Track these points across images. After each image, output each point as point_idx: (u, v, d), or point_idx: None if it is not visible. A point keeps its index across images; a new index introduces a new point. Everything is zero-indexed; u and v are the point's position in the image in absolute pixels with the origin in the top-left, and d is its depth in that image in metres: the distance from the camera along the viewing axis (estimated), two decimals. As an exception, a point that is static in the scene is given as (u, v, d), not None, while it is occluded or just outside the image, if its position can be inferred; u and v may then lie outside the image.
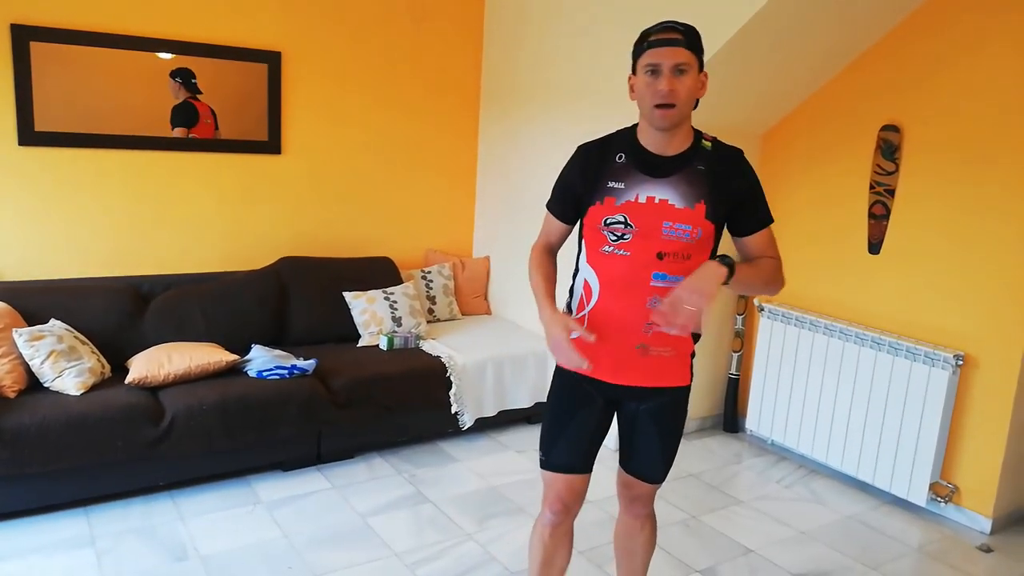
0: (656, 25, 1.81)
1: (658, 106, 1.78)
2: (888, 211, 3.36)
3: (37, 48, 3.30)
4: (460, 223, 4.68)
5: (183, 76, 3.64)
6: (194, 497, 3.04)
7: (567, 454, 2.02)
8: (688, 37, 1.78)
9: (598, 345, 1.89)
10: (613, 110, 3.51)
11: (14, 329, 2.97)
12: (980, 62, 3.01)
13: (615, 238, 1.86)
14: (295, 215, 4.08)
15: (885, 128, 3.33)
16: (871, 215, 3.42)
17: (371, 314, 3.87)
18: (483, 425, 3.80)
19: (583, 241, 1.97)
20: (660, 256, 1.83)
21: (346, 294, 3.91)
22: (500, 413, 3.82)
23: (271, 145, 3.94)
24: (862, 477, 3.42)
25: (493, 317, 4.49)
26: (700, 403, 4.06)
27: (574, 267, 2.02)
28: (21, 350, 2.93)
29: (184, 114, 3.69)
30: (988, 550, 3.00)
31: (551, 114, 4.00)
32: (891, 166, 3.32)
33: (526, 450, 3.68)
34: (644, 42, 1.81)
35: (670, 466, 2.11)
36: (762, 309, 3.82)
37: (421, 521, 2.98)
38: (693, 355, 2.02)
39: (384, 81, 4.21)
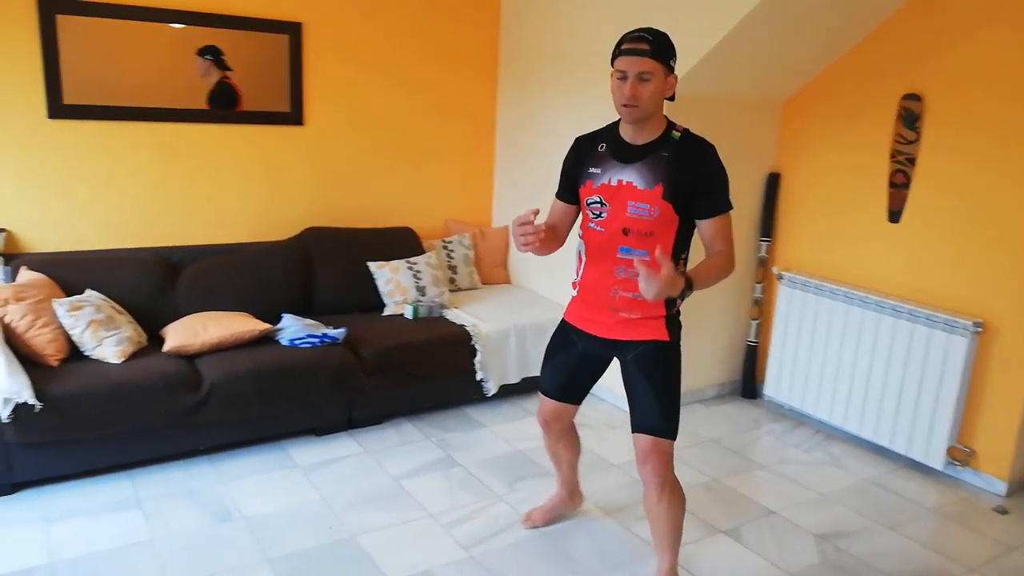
0: (629, 33, 2.09)
1: (624, 105, 2.09)
2: (908, 180, 3.39)
3: (63, 21, 3.32)
4: (479, 193, 4.72)
5: (213, 54, 3.66)
6: (232, 461, 3.14)
7: (547, 381, 2.51)
8: (655, 47, 2.06)
9: (583, 302, 2.34)
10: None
11: (54, 300, 3.04)
12: (1003, 32, 3.02)
13: (595, 215, 2.22)
14: (317, 186, 4.13)
15: (907, 97, 3.34)
16: (891, 184, 3.45)
17: (395, 284, 3.93)
18: (506, 392, 3.88)
19: (581, 217, 2.34)
20: (625, 232, 2.16)
21: (370, 264, 3.97)
22: (523, 380, 3.90)
23: (293, 116, 3.97)
24: (879, 441, 3.51)
25: (513, 286, 4.55)
26: (718, 369, 4.14)
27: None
28: (61, 320, 3.00)
29: (225, 97, 3.71)
30: (1004, 512, 3.09)
31: (568, 84, 4.01)
32: (912, 135, 3.35)
33: (549, 416, 3.76)
34: (617, 49, 2.10)
35: (670, 420, 2.24)
36: (781, 277, 3.87)
37: (453, 483, 3.07)
38: (670, 317, 2.26)
39: (403, 51, 4.22)
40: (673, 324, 2.28)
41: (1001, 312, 3.13)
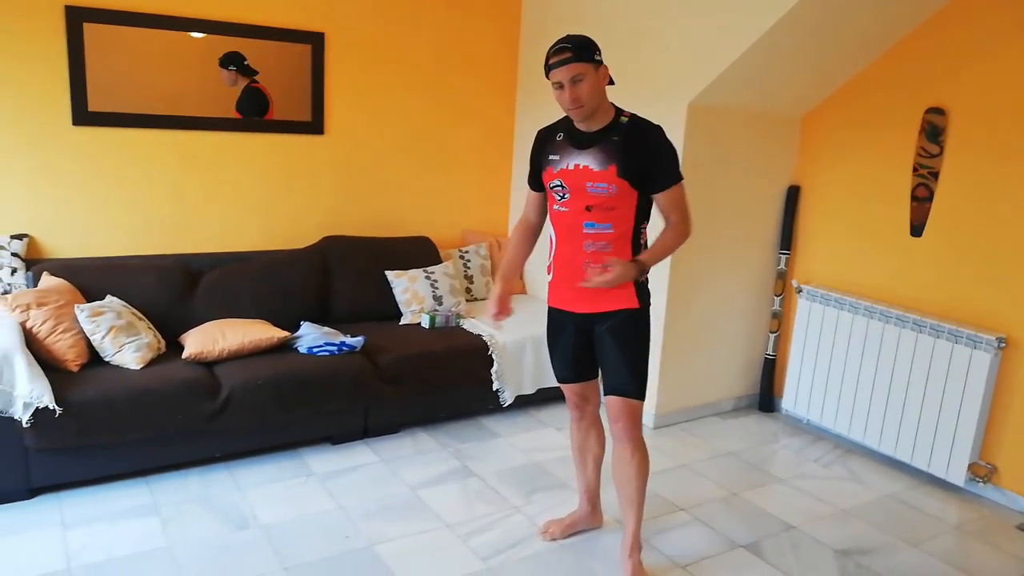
0: (552, 47, 2.27)
1: (570, 109, 2.30)
2: (931, 194, 3.37)
3: (90, 29, 3.36)
4: (496, 203, 4.72)
5: (236, 62, 3.68)
6: (249, 469, 3.14)
7: (561, 369, 2.64)
8: (576, 51, 2.23)
9: (559, 282, 2.50)
10: (647, 87, 3.53)
11: (75, 305, 3.06)
12: (1030, 44, 3.01)
13: (559, 197, 2.41)
14: (337, 195, 4.14)
15: (930, 111, 3.33)
16: (914, 197, 3.43)
17: (412, 293, 3.93)
18: (522, 402, 3.87)
19: (547, 202, 2.53)
20: (588, 208, 2.35)
21: (388, 273, 3.97)
22: (538, 391, 3.89)
23: (314, 126, 4.00)
24: (900, 457, 3.47)
25: (529, 296, 4.55)
26: (735, 383, 4.11)
27: None
28: (83, 325, 3.01)
29: (255, 102, 3.73)
30: (1027, 529, 3.05)
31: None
32: (935, 149, 3.33)
33: (564, 428, 3.74)
34: (546, 65, 2.28)
35: (639, 382, 2.46)
36: (800, 290, 3.85)
37: (469, 494, 3.06)
38: (639, 284, 2.43)
39: (424, 62, 4.24)
40: (643, 291, 2.45)
41: (1025, 327, 3.10)
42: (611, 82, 2.34)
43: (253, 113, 3.78)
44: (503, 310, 2.58)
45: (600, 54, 2.29)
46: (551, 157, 2.42)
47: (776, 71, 3.44)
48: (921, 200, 3.40)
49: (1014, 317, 3.13)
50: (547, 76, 2.30)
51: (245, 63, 3.70)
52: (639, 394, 2.46)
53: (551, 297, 2.57)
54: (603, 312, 2.44)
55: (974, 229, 3.24)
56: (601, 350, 2.49)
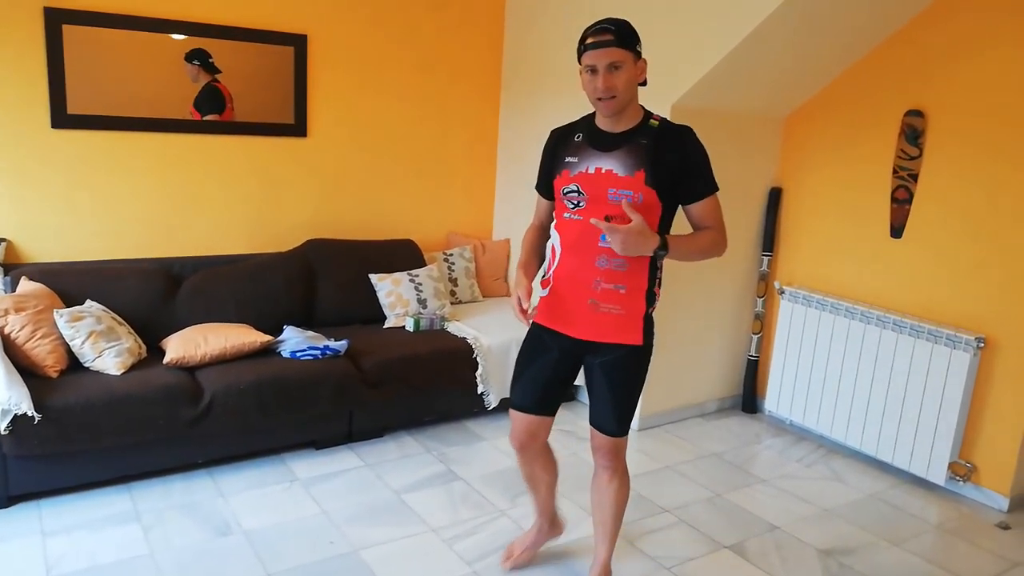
0: (591, 27, 2.05)
1: (599, 99, 2.06)
2: (911, 195, 3.40)
3: (70, 31, 3.32)
4: (481, 206, 4.72)
5: (200, 57, 3.64)
6: (232, 474, 3.11)
7: (522, 394, 2.36)
8: (619, 36, 2.01)
9: (557, 300, 2.23)
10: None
11: (54, 310, 3.02)
12: (1006, 49, 3.05)
13: (572, 205, 2.16)
14: (320, 198, 4.12)
15: (909, 113, 3.36)
16: (894, 199, 3.46)
17: (397, 296, 3.92)
18: (507, 405, 3.82)
19: (555, 211, 2.27)
20: (607, 219, 2.06)
21: (372, 276, 3.96)
22: (524, 393, 3.89)
23: (297, 128, 3.97)
24: (881, 456, 3.50)
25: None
26: (719, 384, 4.13)
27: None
28: (62, 330, 2.98)
29: (213, 100, 3.70)
30: (1006, 527, 3.08)
31: (570, 98, 4.01)
32: (915, 151, 3.36)
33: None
34: (582, 44, 2.06)
35: (623, 423, 2.27)
36: (782, 292, 3.87)
37: (454, 498, 3.05)
38: (648, 317, 2.22)
39: (408, 64, 4.24)
40: (649, 326, 2.22)
41: (1003, 327, 3.14)
42: (644, 83, 2.12)
43: (209, 110, 3.71)
44: (525, 312, 2.23)
45: (641, 46, 2.07)
46: (567, 159, 2.17)
47: (758, 74, 3.47)
48: (901, 202, 3.44)
49: (992, 317, 3.17)
50: (579, 58, 2.06)
51: (210, 60, 3.66)
52: (623, 432, 2.28)
53: (542, 313, 2.29)
54: (603, 343, 2.20)
55: (953, 230, 3.28)
56: (590, 381, 2.28)
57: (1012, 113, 3.05)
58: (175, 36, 3.58)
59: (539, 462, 2.48)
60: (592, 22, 2.07)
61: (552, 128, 2.30)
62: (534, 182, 2.40)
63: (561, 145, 2.22)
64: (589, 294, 2.16)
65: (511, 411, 2.40)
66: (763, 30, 3.10)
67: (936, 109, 3.29)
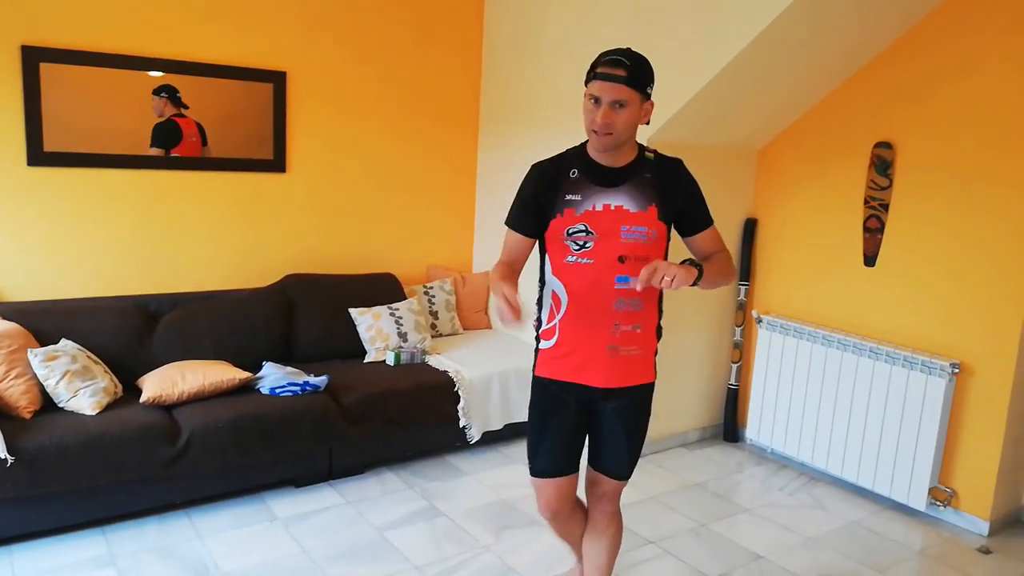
0: (607, 54, 1.94)
1: (595, 131, 1.96)
2: (883, 225, 3.47)
3: (47, 69, 3.32)
4: (460, 239, 4.74)
5: (168, 91, 3.63)
6: (210, 515, 3.05)
7: (550, 459, 2.17)
8: (632, 74, 1.91)
9: (568, 350, 2.08)
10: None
11: (28, 350, 2.97)
12: (972, 82, 3.14)
13: (578, 247, 2.02)
14: (299, 233, 4.12)
15: (879, 145, 3.45)
16: (866, 229, 3.53)
17: (377, 330, 3.91)
18: (489, 439, 3.84)
19: (547, 255, 2.12)
20: (621, 260, 1.99)
21: (352, 310, 3.94)
22: (506, 426, 3.87)
23: (276, 164, 3.98)
24: (862, 483, 3.52)
25: (494, 331, 4.55)
26: (700, 414, 4.14)
27: (539, 281, 2.17)
28: (36, 370, 2.93)
29: (165, 134, 3.66)
30: (987, 552, 3.10)
31: (547, 132, 4.07)
32: (885, 181, 3.44)
33: (533, 462, 3.73)
34: (592, 71, 1.95)
35: (635, 463, 2.24)
36: (760, 321, 3.91)
37: (437, 534, 3.01)
38: (656, 353, 2.18)
39: (386, 101, 4.27)
40: (654, 359, 2.20)
41: (977, 353, 3.19)
42: (647, 123, 2.04)
43: (159, 144, 3.66)
44: (517, 308, 1.90)
45: (652, 87, 1.98)
46: (568, 198, 2.01)
47: (731, 108, 3.54)
48: (873, 231, 3.51)
49: (966, 343, 3.22)
50: (586, 82, 1.96)
51: (177, 95, 3.65)
52: (630, 473, 2.24)
53: (551, 368, 2.13)
54: (622, 387, 2.10)
55: (925, 258, 3.34)
56: (599, 428, 2.17)
57: (975, 144, 3.14)
58: (152, 73, 3.59)
59: (574, 519, 2.33)
60: (609, 48, 1.97)
61: (532, 162, 2.15)
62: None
63: (555, 182, 2.04)
64: (608, 339, 2.04)
65: (538, 481, 2.20)
66: (735, 66, 3.18)
67: (904, 141, 3.38)
